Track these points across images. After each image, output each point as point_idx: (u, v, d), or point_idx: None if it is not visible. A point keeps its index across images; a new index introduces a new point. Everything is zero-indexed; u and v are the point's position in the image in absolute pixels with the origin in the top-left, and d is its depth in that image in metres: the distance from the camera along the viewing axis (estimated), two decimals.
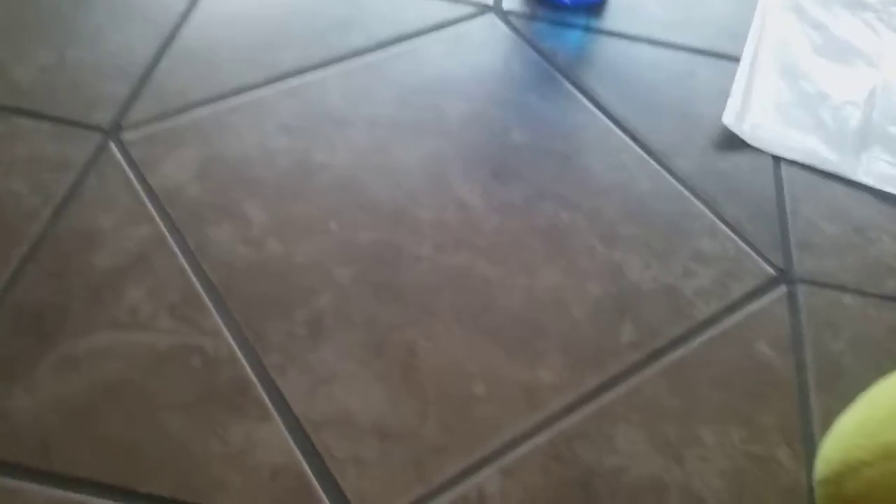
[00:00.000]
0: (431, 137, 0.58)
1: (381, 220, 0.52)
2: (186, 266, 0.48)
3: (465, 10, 0.68)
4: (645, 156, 0.59)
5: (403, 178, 0.55)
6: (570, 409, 0.45)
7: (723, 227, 0.55)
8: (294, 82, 0.60)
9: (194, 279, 0.48)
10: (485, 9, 0.68)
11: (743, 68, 0.65)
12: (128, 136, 0.54)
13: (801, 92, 0.64)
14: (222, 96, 0.58)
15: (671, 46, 0.67)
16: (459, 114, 0.60)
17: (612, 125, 0.61)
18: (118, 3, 0.63)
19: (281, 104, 0.58)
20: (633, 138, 0.60)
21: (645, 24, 0.69)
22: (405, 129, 0.58)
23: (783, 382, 0.47)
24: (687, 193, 0.56)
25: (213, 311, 0.46)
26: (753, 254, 0.53)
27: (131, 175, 0.52)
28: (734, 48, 0.67)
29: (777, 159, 0.59)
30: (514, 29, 0.67)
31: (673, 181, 0.57)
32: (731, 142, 0.60)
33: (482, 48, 0.65)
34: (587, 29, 0.68)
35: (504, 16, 0.68)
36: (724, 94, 0.63)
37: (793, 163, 0.59)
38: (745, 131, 0.60)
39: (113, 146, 0.53)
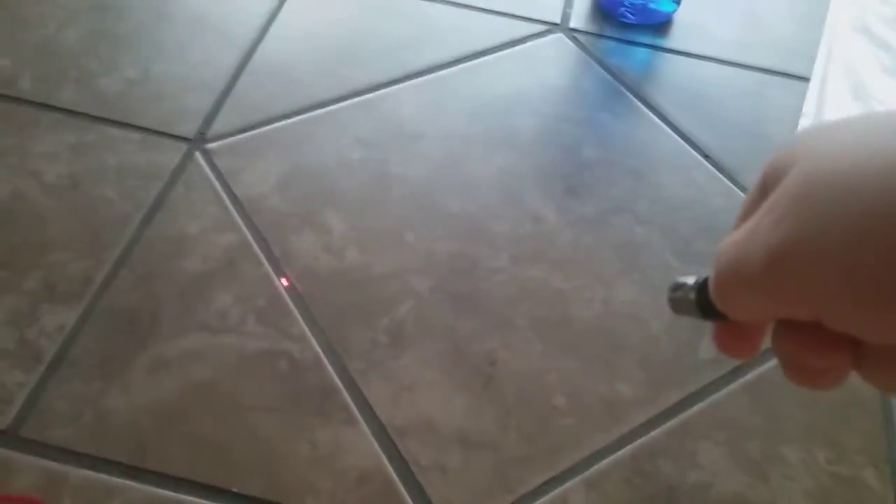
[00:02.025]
0: (504, 152, 0.59)
1: (457, 232, 0.53)
2: (272, 273, 0.49)
3: (534, 28, 0.69)
4: (717, 173, 0.59)
5: (478, 192, 0.56)
6: (651, 424, 0.45)
7: None
8: (369, 97, 0.61)
9: (279, 285, 0.49)
10: (553, 27, 0.69)
11: (813, 89, 0.65)
12: (212, 146, 0.56)
13: None
14: (301, 110, 0.59)
15: (738, 65, 0.67)
16: (531, 129, 0.61)
17: (682, 143, 0.61)
18: (199, 19, 0.65)
19: (357, 118, 0.59)
20: (705, 156, 0.60)
21: (710, 43, 0.69)
22: (478, 143, 0.59)
23: (866, 402, 0.47)
24: None
25: (299, 317, 0.47)
26: None
27: (216, 184, 0.54)
28: (801, 68, 0.67)
29: None
30: (581, 46, 0.68)
31: None
32: None
33: (551, 65, 0.66)
34: (654, 47, 0.69)
35: (571, 34, 0.69)
36: (793, 114, 0.63)
37: None
38: None
39: (198, 156, 0.55)
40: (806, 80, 0.66)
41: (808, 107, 0.63)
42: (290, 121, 0.58)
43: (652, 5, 0.69)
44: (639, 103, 0.64)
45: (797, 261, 0.22)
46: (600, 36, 0.69)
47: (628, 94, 0.64)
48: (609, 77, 0.65)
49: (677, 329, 0.49)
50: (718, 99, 0.65)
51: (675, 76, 0.66)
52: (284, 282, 0.48)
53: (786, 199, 0.22)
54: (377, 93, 0.61)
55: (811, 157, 0.22)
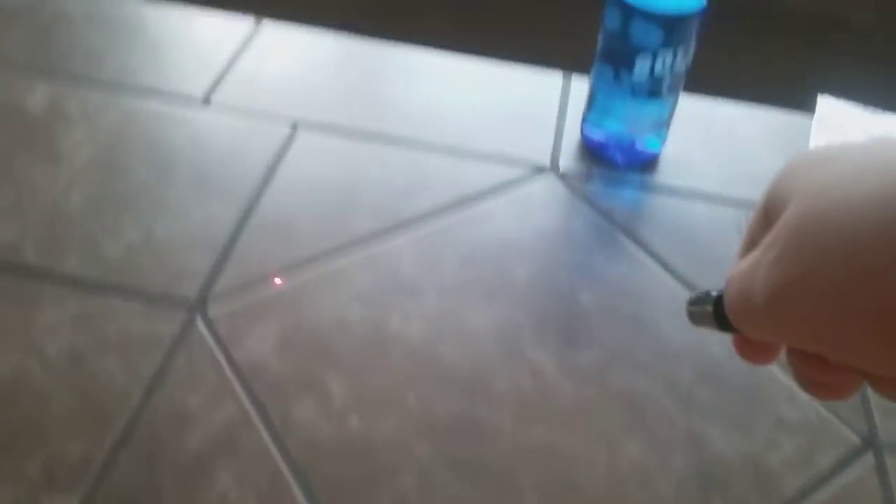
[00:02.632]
0: (501, 302, 0.59)
1: (457, 391, 0.53)
2: (272, 446, 0.49)
3: (524, 171, 0.71)
4: None
5: (477, 346, 0.56)
6: None
7: (801, 392, 0.54)
8: (367, 249, 0.62)
9: (280, 460, 0.48)
10: (542, 169, 0.71)
11: None
12: (213, 310, 0.56)
13: None
14: (300, 266, 0.60)
15: (726, 202, 0.69)
16: (526, 276, 0.62)
17: (677, 284, 0.62)
18: (200, 176, 0.67)
19: (355, 272, 0.60)
20: None
21: (697, 179, 0.71)
22: (475, 293, 0.60)
23: None
24: None
25: (300, 495, 0.47)
26: (836, 420, 0.53)
27: (217, 351, 0.54)
28: None
29: None
30: (571, 188, 0.69)
31: None
32: None
33: (543, 209, 0.67)
34: (642, 186, 0.71)
35: (561, 176, 0.71)
36: None
37: None
38: None
39: (199, 321, 0.56)
40: None
41: None
42: (289, 278, 0.59)
43: (638, 145, 0.71)
44: (631, 244, 0.65)
45: (794, 302, 0.22)
46: (589, 177, 0.71)
47: (620, 235, 0.66)
48: (600, 218, 0.67)
49: (685, 490, 0.48)
50: (708, 236, 0.66)
51: (664, 214, 0.68)
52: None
53: (783, 238, 0.23)
54: (375, 244, 0.63)
55: (808, 193, 0.23)
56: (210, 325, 0.56)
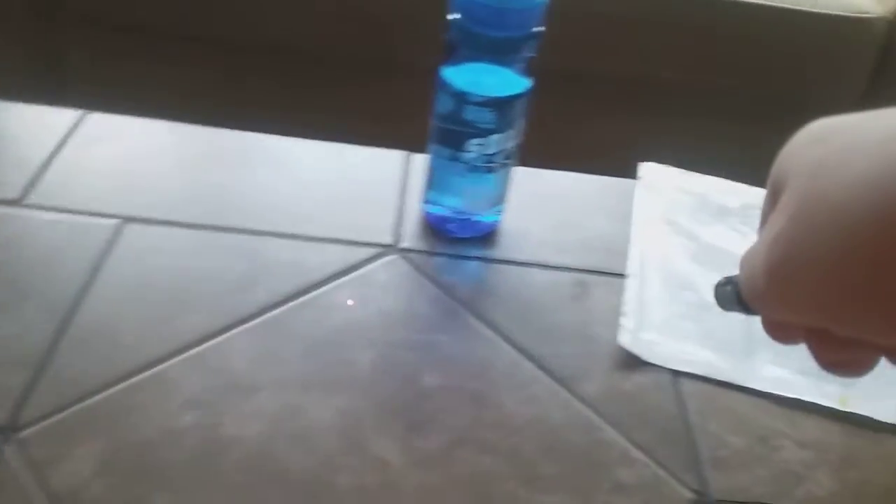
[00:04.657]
0: (344, 392, 0.58)
1: (297, 494, 0.51)
2: None
3: (367, 251, 0.70)
4: (555, 384, 0.60)
5: (318, 443, 0.54)
6: None
7: (636, 452, 0.56)
8: (199, 350, 0.60)
9: None
10: (386, 248, 0.71)
11: (630, 285, 0.69)
12: (25, 434, 0.52)
13: (686, 302, 0.69)
14: (125, 376, 0.57)
15: (562, 268, 0.72)
16: (370, 362, 0.61)
17: (519, 355, 0.63)
18: (14, 283, 0.62)
19: (186, 376, 0.57)
20: (541, 367, 0.62)
21: (534, 248, 0.73)
22: (316, 386, 0.58)
23: None
24: (598, 420, 0.58)
25: None
26: (670, 478, 0.55)
27: (31, 479, 0.49)
28: (622, 265, 0.72)
29: (675, 374, 0.62)
30: (414, 266, 0.70)
31: (584, 409, 0.59)
32: (631, 361, 0.63)
33: (386, 289, 0.67)
34: (483, 259, 0.72)
35: (404, 254, 0.71)
36: (618, 313, 0.67)
37: (691, 376, 0.62)
38: (641, 349, 0.63)
39: (9, 448, 0.51)
40: (625, 276, 0.71)
41: (627, 305, 0.67)
42: (112, 390, 0.56)
43: (474, 218, 0.73)
44: (473, 319, 0.66)
45: (791, 279, 0.23)
46: (432, 253, 0.72)
47: (462, 310, 0.66)
48: (443, 295, 0.68)
49: None
50: (547, 305, 0.68)
51: (504, 286, 0.69)
52: None
53: (781, 219, 0.24)
54: (208, 344, 0.60)
55: (803, 173, 0.24)
56: (23, 449, 0.51)
